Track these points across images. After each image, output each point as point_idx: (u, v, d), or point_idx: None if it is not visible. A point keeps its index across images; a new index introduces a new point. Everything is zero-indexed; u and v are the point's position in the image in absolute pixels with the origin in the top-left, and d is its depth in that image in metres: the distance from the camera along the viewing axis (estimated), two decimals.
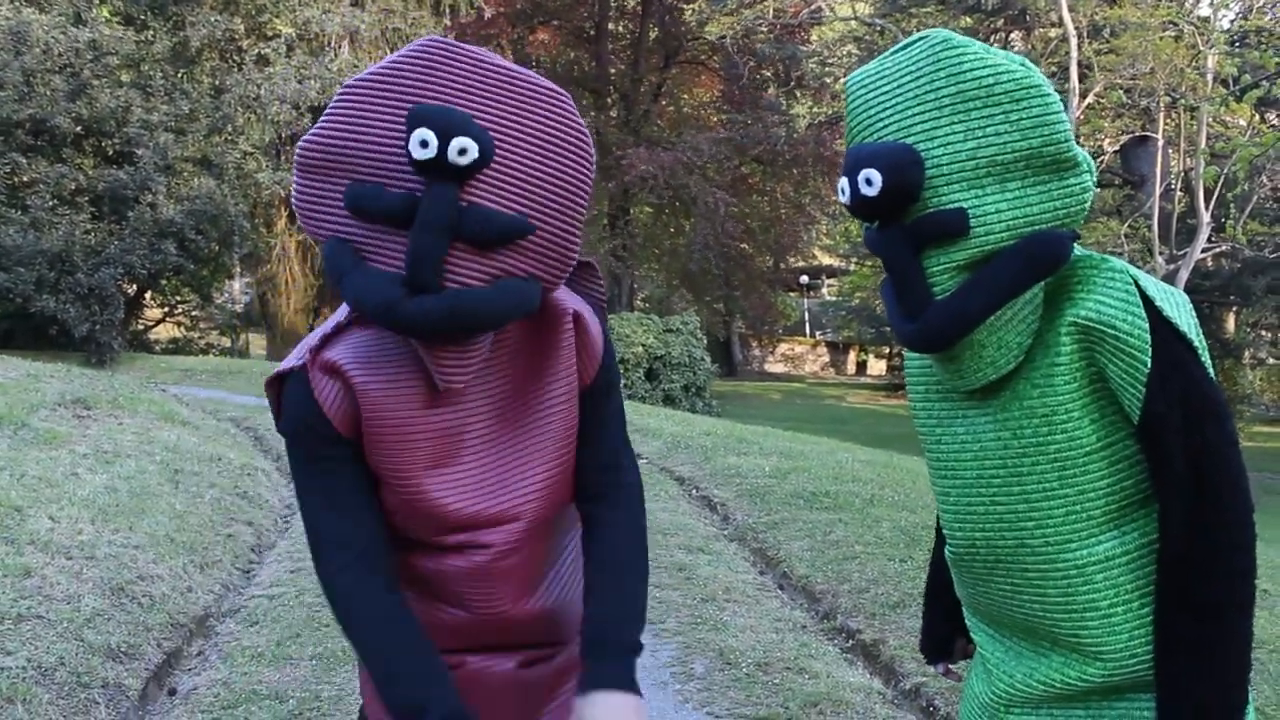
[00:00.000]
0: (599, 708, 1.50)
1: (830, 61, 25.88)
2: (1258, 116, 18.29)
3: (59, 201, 15.39)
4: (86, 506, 5.34)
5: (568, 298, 1.64)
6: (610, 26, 28.43)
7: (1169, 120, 19.00)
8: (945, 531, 1.65)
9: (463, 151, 1.39)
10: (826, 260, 38.12)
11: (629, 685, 1.52)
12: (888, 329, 33.21)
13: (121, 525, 5.17)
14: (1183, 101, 17.71)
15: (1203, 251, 18.34)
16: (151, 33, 16.43)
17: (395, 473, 1.53)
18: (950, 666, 1.95)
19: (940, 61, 1.44)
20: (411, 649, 1.48)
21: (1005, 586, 1.56)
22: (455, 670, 1.62)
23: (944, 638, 1.92)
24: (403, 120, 1.44)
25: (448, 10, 19.61)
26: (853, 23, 24.08)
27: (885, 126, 1.47)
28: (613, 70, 28.44)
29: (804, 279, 37.77)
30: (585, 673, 1.54)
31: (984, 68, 1.42)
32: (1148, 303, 1.41)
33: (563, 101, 1.51)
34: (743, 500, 7.35)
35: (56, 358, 13.49)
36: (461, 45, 1.50)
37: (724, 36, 21.72)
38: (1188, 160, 18.36)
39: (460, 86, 1.47)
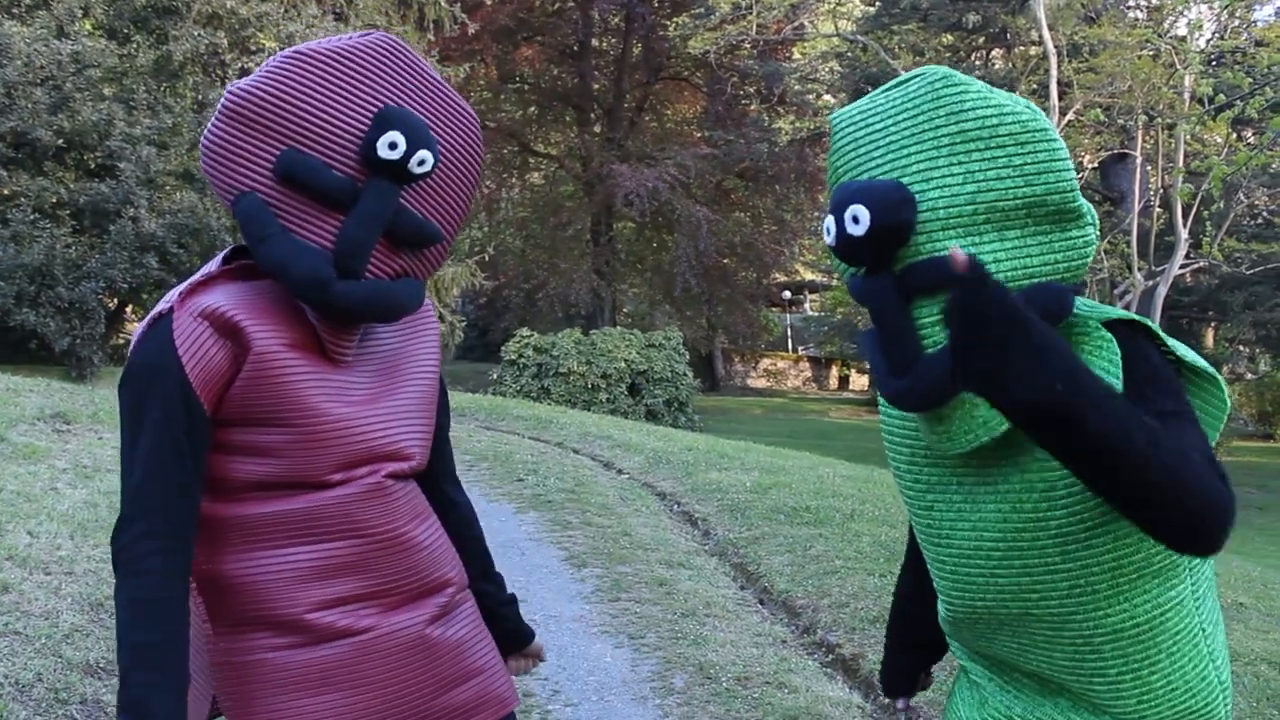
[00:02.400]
0: (538, 646, 1.91)
1: (813, 78, 26.02)
2: (1234, 135, 18.47)
3: (40, 215, 15.31)
4: (65, 521, 5.32)
5: None
6: (594, 43, 28.55)
7: (1147, 138, 19.18)
8: (941, 595, 1.54)
9: (422, 162, 1.50)
10: (809, 275, 38.22)
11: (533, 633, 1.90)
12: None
13: (101, 540, 5.15)
14: (1160, 120, 17.89)
15: (1181, 267, 18.51)
16: (134, 46, 16.39)
17: (295, 411, 1.50)
18: (910, 703, 1.87)
19: (940, 99, 1.35)
20: (180, 659, 1.43)
21: (1011, 645, 1.49)
22: (367, 634, 1.56)
23: (910, 673, 1.84)
24: (364, 110, 1.51)
25: (431, 26, 19.62)
26: (835, 39, 24.23)
27: (876, 165, 1.37)
28: (596, 86, 28.54)
29: (786, 294, 37.87)
30: (512, 629, 1.84)
31: (987, 107, 1.33)
32: (1142, 357, 1.32)
33: (476, 125, 1.64)
34: (724, 515, 7.37)
35: (36, 372, 13.42)
36: (414, 53, 1.58)
37: (707, 52, 21.81)
38: (1166, 177, 18.52)
39: (418, 96, 1.56)
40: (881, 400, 1.57)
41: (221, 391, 1.48)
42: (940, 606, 1.57)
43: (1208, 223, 18.73)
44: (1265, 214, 24.19)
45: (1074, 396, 1.10)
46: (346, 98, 1.51)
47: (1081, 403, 1.10)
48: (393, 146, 1.48)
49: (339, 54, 1.52)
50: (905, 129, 1.36)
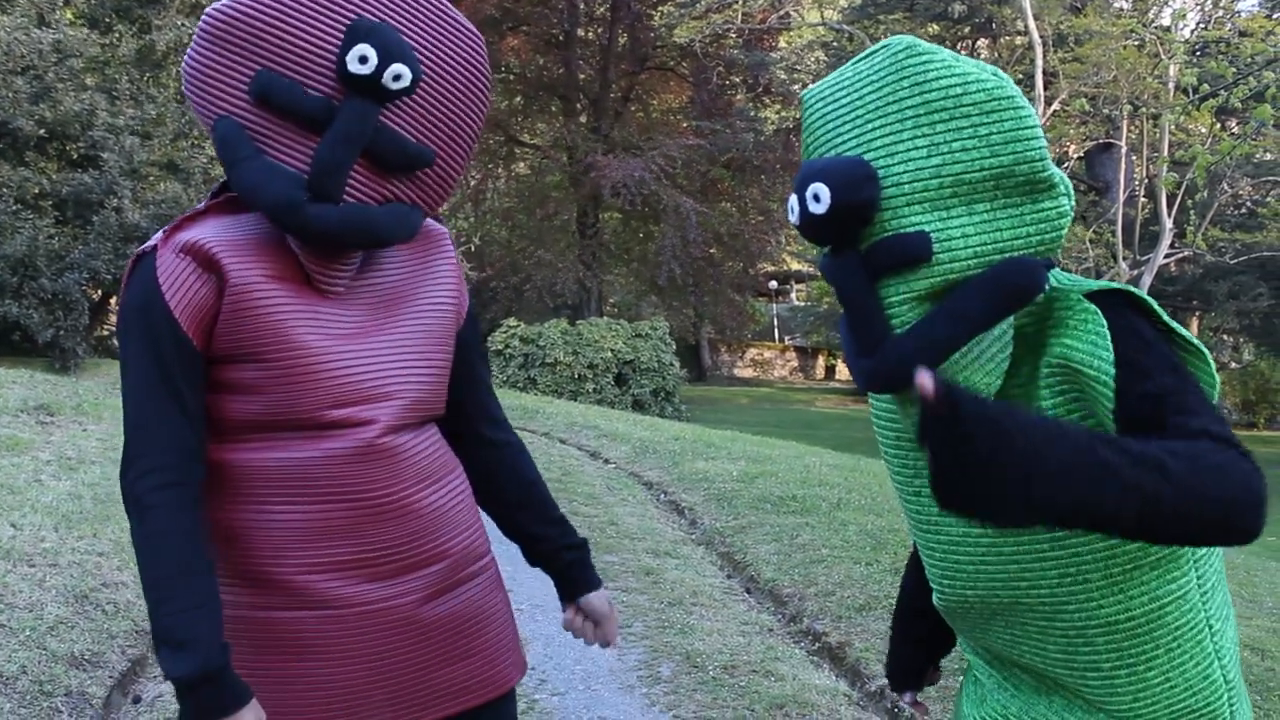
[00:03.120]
0: (601, 600, 1.80)
1: (798, 68, 26.02)
2: (1217, 124, 18.54)
3: (22, 205, 15.22)
4: (49, 513, 5.30)
5: (433, 222, 1.69)
6: (580, 33, 28.47)
7: (1132, 128, 19.24)
8: (933, 584, 1.49)
9: (397, 77, 1.43)
10: (795, 265, 38.28)
11: (600, 582, 1.83)
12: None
13: (85, 532, 5.13)
14: (1145, 109, 17.95)
15: (1166, 257, 18.60)
16: (117, 35, 16.29)
17: (275, 344, 1.46)
18: (917, 698, 1.79)
19: (903, 70, 1.30)
20: (200, 580, 1.40)
21: (1004, 636, 1.44)
22: (354, 607, 1.50)
23: (915, 669, 1.77)
24: (338, 26, 1.45)
25: None
26: (821, 29, 24.22)
27: (844, 141, 1.33)
28: (582, 76, 28.47)
29: (773, 284, 37.91)
30: (576, 576, 1.79)
31: (951, 76, 1.28)
32: (1130, 329, 1.27)
33: (481, 46, 1.56)
34: (710, 504, 7.38)
35: (19, 363, 13.34)
36: None
37: (693, 41, 21.79)
38: (1150, 167, 18.59)
39: (402, 10, 1.49)
40: None
41: (209, 326, 1.44)
42: (934, 595, 1.52)
43: (1192, 212, 18.82)
44: (1249, 203, 24.31)
45: (1076, 497, 1.06)
46: (321, 13, 1.45)
47: (1085, 498, 1.06)
48: (363, 60, 1.41)
49: None
50: (870, 102, 1.31)
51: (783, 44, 27.10)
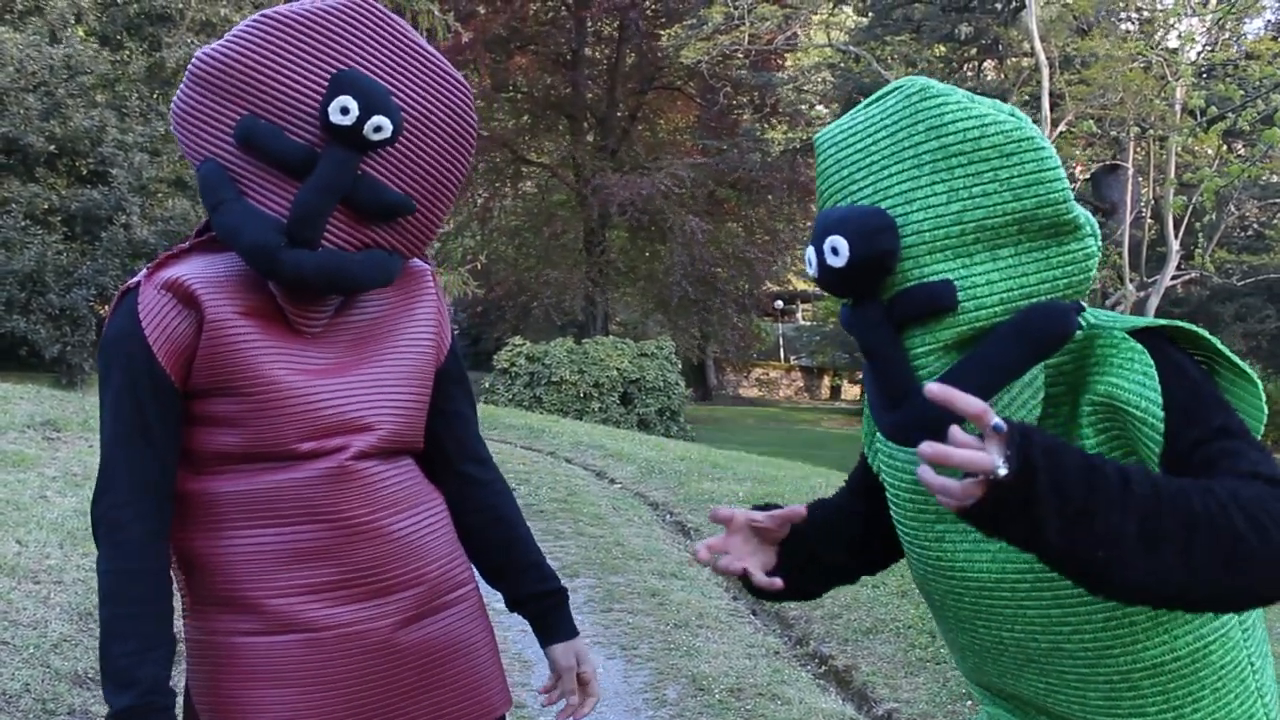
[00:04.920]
0: (562, 654, 1.72)
1: (805, 88, 26.08)
2: (1225, 147, 18.55)
3: (31, 221, 15.28)
4: (55, 530, 5.29)
5: (417, 259, 1.69)
6: (587, 52, 28.61)
7: (1139, 149, 19.25)
8: (960, 629, 1.41)
9: (378, 129, 1.45)
10: (801, 285, 38.29)
11: (578, 630, 1.75)
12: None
13: (90, 549, 5.12)
14: (1152, 131, 17.95)
15: (1172, 279, 18.58)
16: (127, 53, 16.38)
17: (249, 379, 1.48)
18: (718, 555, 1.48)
19: (918, 114, 1.27)
20: (151, 624, 1.45)
21: (1039, 685, 1.37)
22: (330, 631, 1.52)
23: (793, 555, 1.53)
24: (323, 74, 1.47)
25: (425, 34, 19.63)
26: (827, 50, 24.29)
27: (859, 189, 1.30)
28: (589, 95, 28.59)
29: (778, 304, 37.92)
30: (542, 624, 1.73)
31: (968, 119, 1.25)
32: (1176, 367, 1.23)
33: (466, 95, 1.58)
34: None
35: (26, 379, 13.37)
36: (386, 12, 1.53)
37: (700, 62, 21.85)
38: (1157, 189, 18.59)
39: (384, 59, 1.51)
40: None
41: (188, 361, 1.47)
42: (959, 642, 1.44)
43: (1199, 234, 18.80)
44: (1256, 226, 24.29)
45: (1160, 579, 1.07)
46: (307, 62, 1.48)
47: (1169, 579, 1.07)
48: (344, 111, 1.43)
49: (304, 17, 1.50)
50: (885, 148, 1.29)
51: (790, 64, 27.16)
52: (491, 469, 1.76)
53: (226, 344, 1.47)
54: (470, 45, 24.16)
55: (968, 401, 1.05)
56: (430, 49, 1.56)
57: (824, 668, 4.63)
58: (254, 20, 1.50)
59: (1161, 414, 1.20)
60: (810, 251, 1.31)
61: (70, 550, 5.05)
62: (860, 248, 1.24)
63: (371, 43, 1.51)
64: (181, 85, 1.52)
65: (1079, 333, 1.28)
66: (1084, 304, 1.30)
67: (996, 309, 1.23)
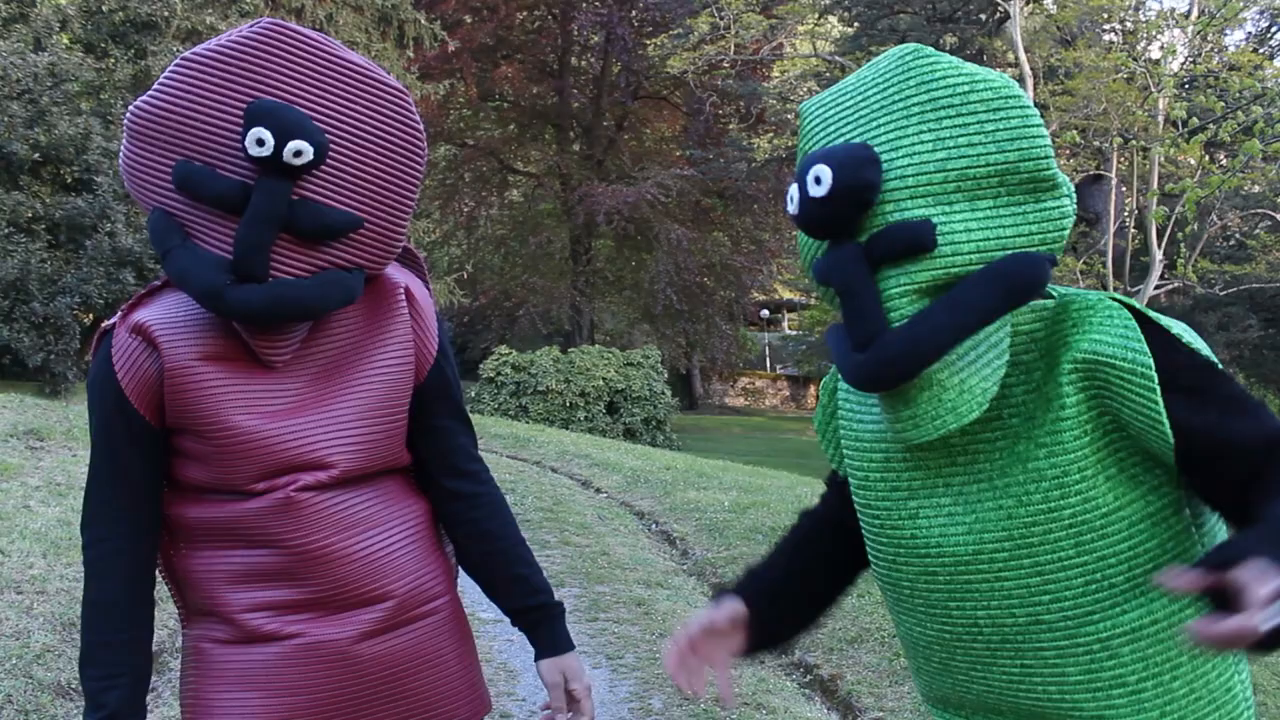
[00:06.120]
0: (547, 669, 1.70)
1: (791, 98, 26.16)
2: (1207, 157, 18.68)
3: (15, 229, 15.19)
4: (38, 540, 5.27)
5: (398, 273, 1.67)
6: (573, 61, 28.65)
7: (1122, 160, 19.37)
8: (928, 615, 1.39)
9: (298, 154, 1.44)
10: (787, 295, 38.36)
11: (572, 645, 1.74)
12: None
13: (74, 559, 5.09)
14: (1135, 142, 18.07)
15: (1155, 288, 18.68)
16: (112, 61, 16.33)
17: (207, 423, 1.51)
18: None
19: (910, 69, 1.30)
20: (121, 654, 1.54)
21: (1013, 669, 1.34)
22: (292, 641, 1.57)
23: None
24: (241, 108, 1.47)
25: (411, 43, 19.64)
26: (814, 60, 24.37)
27: (844, 136, 1.32)
28: (576, 105, 28.62)
29: (764, 313, 37.99)
30: (530, 638, 1.72)
31: (959, 74, 1.28)
32: (1155, 328, 1.26)
33: (401, 99, 1.56)
34: (702, 535, 7.36)
35: (9, 388, 13.30)
36: (305, 33, 1.52)
37: (685, 71, 21.91)
38: (1140, 199, 18.71)
39: (301, 80, 1.50)
40: (845, 404, 1.49)
41: (158, 401, 1.53)
42: (924, 631, 1.40)
43: (1182, 244, 18.93)
44: (1238, 236, 24.45)
45: None
46: (226, 98, 1.48)
47: None
48: (260, 143, 1.43)
49: (219, 53, 1.50)
50: (874, 101, 1.30)
51: (776, 74, 27.24)
52: (478, 482, 1.73)
53: (186, 388, 1.51)
54: (457, 54, 24.17)
55: (1193, 579, 1.04)
56: (359, 61, 1.55)
57: (809, 677, 4.64)
58: (176, 64, 1.52)
59: (1150, 364, 1.22)
60: (793, 188, 1.31)
61: (54, 560, 5.03)
62: (843, 176, 1.25)
63: (290, 67, 1.50)
64: (123, 140, 1.55)
65: (1050, 301, 1.31)
66: (1057, 259, 1.31)
67: (972, 256, 1.24)
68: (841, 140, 1.31)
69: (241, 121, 1.46)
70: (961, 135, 1.25)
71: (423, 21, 19.30)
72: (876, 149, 1.27)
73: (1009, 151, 1.25)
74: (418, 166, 1.59)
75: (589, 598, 5.69)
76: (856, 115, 1.31)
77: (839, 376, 1.51)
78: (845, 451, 1.48)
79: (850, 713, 4.21)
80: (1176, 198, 17.09)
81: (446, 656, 1.68)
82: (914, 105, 1.27)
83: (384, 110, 1.55)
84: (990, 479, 1.31)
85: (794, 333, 39.44)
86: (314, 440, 1.55)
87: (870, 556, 1.48)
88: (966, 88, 1.27)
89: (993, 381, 1.26)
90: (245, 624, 1.57)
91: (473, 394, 19.86)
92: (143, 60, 16.37)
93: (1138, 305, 1.30)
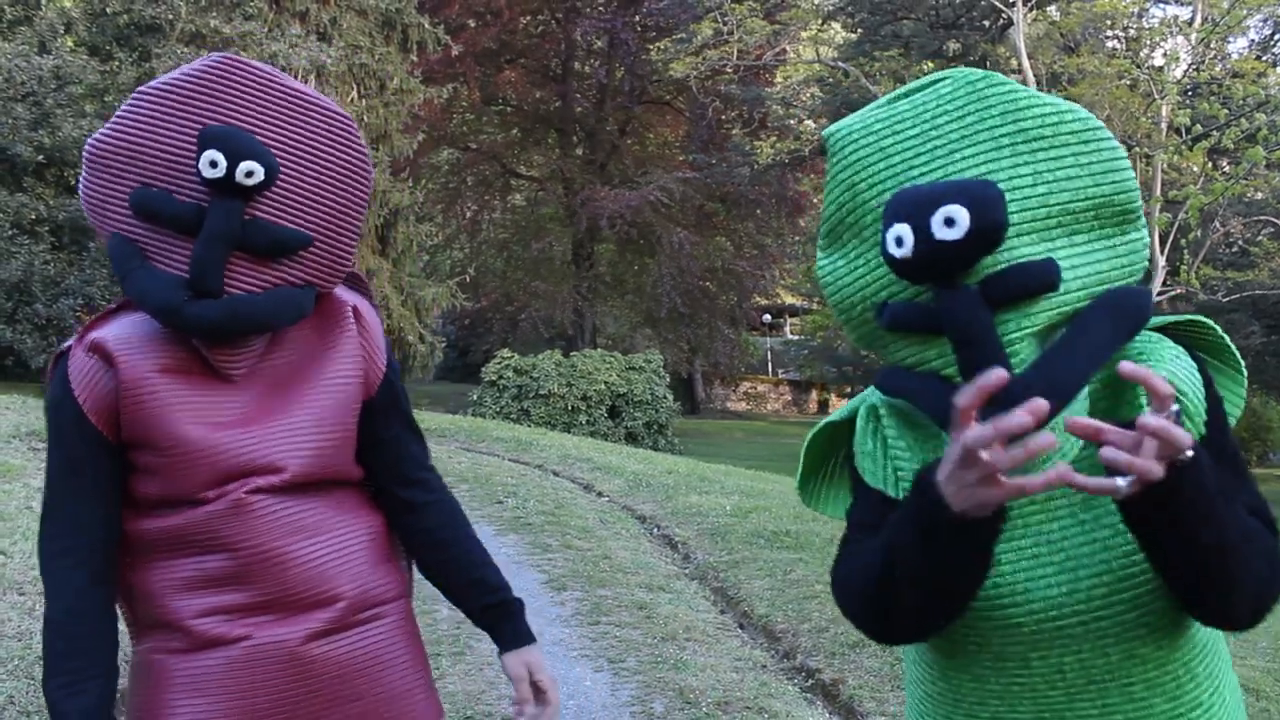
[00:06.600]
0: (512, 663, 1.76)
1: (794, 103, 26.20)
2: (1210, 164, 18.69)
3: (18, 231, 15.23)
4: None
5: (347, 294, 1.76)
6: (576, 66, 28.68)
7: None
8: (993, 672, 1.29)
9: (249, 174, 1.54)
10: (789, 299, 38.37)
11: (534, 638, 1.80)
12: (849, 368, 33.30)
13: None
14: (1138, 149, 18.08)
15: (1159, 295, 18.67)
16: (117, 63, 16.36)
17: (161, 434, 1.57)
18: None
19: (987, 98, 1.24)
20: (81, 663, 1.57)
21: (1090, 712, 1.26)
22: (240, 644, 1.61)
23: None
24: (194, 135, 1.57)
25: (415, 47, 19.65)
26: (817, 65, 24.40)
27: (921, 173, 1.24)
28: (579, 109, 28.65)
29: (766, 318, 38.00)
30: (494, 636, 1.78)
31: (1044, 105, 1.24)
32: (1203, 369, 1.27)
33: (344, 124, 1.67)
34: (704, 539, 7.36)
35: (12, 389, 13.30)
36: (255, 64, 1.62)
37: (689, 76, 21.94)
38: (1144, 206, 18.70)
39: (250, 107, 1.60)
40: (895, 445, 1.36)
41: (114, 418, 1.58)
42: (964, 697, 1.33)
43: (1185, 251, 18.93)
44: (1241, 242, 24.45)
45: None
46: (179, 126, 1.58)
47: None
48: (213, 165, 1.53)
49: (172, 85, 1.60)
50: (951, 131, 1.24)
51: (779, 80, 27.27)
52: (429, 490, 1.79)
53: (141, 401, 1.56)
54: (460, 59, 24.20)
55: (1159, 383, 1.04)
56: (304, 89, 1.65)
57: (811, 681, 4.64)
58: (132, 98, 1.61)
59: (1205, 412, 1.22)
60: (901, 229, 1.20)
61: None
62: (982, 217, 1.17)
63: (239, 95, 1.60)
64: (82, 172, 1.63)
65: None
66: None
67: (1080, 294, 1.21)
68: (920, 175, 1.24)
69: (195, 147, 1.55)
70: (1059, 169, 1.22)
71: (426, 26, 19.32)
72: None
73: (1103, 185, 1.23)
74: (363, 188, 1.68)
75: (591, 601, 5.69)
76: (931, 146, 1.25)
77: (881, 408, 1.39)
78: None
79: (852, 717, 4.20)
80: (1180, 204, 17.11)
81: (399, 661, 1.73)
82: (1004, 137, 1.23)
83: (330, 135, 1.65)
84: (1074, 513, 1.24)
85: (796, 337, 39.44)
86: (265, 445, 1.62)
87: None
88: (1055, 119, 1.23)
89: (1084, 414, 1.21)
90: (194, 629, 1.60)
91: (474, 397, 19.87)
92: (147, 63, 16.39)
93: (1206, 322, 1.31)
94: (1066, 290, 1.20)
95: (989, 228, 1.17)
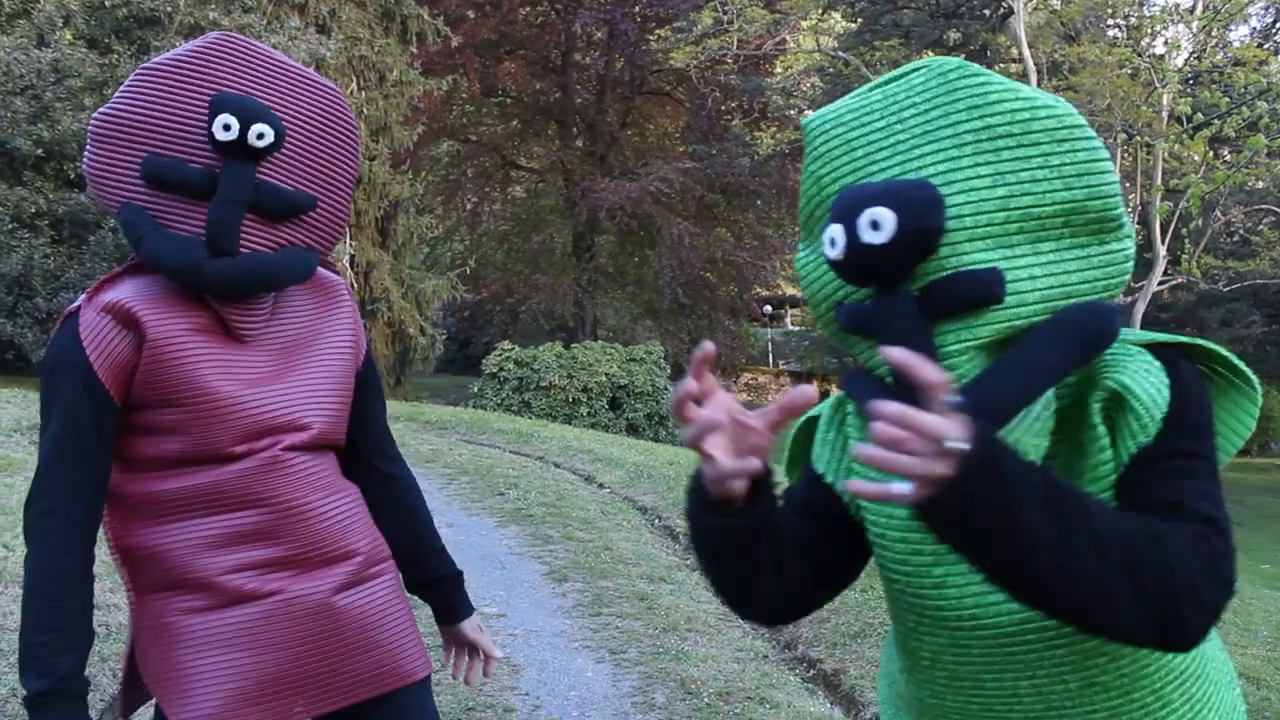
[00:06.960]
0: (471, 628, 2.00)
1: (795, 93, 26.15)
2: (1211, 153, 18.66)
3: (18, 225, 15.22)
4: None
5: (332, 275, 1.87)
6: (576, 57, 28.62)
7: (1126, 155, 19.35)
8: (947, 689, 1.26)
9: (260, 136, 1.62)
10: (789, 290, 38.34)
11: (473, 608, 2.01)
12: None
13: None
14: (1139, 138, 18.05)
15: (1159, 284, 18.67)
16: (115, 56, 16.33)
17: (189, 391, 1.62)
18: None
19: (957, 91, 1.15)
20: (69, 621, 1.59)
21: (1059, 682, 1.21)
22: (273, 598, 1.67)
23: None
24: (205, 104, 1.64)
25: (414, 39, 19.64)
26: (816, 55, 24.36)
27: (880, 169, 1.16)
28: (578, 100, 28.60)
29: (767, 309, 37.97)
30: (449, 604, 1.97)
31: (1016, 99, 1.13)
32: (1181, 380, 1.14)
33: (337, 97, 1.77)
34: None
35: (12, 382, 13.31)
36: (254, 42, 1.72)
37: (689, 65, 21.89)
38: (1145, 195, 18.69)
39: (257, 79, 1.70)
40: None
41: (128, 378, 1.61)
42: (928, 709, 1.29)
43: (1186, 240, 18.91)
44: (1242, 231, 24.43)
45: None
46: (188, 96, 1.64)
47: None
48: (226, 128, 1.60)
49: (177, 60, 1.67)
50: (915, 125, 1.15)
51: (779, 69, 27.22)
52: (400, 464, 1.96)
53: (169, 359, 1.61)
54: (459, 50, 24.15)
55: (928, 371, 0.95)
56: (296, 65, 1.74)
57: (812, 671, 4.65)
58: (136, 74, 1.68)
59: (1161, 421, 1.11)
60: (834, 230, 1.14)
61: None
62: (909, 221, 1.10)
63: (241, 67, 1.68)
64: (87, 146, 1.68)
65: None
66: (1121, 306, 1.21)
67: (1036, 307, 1.11)
68: (875, 171, 1.16)
69: (205, 115, 1.62)
70: (1024, 170, 1.12)
71: (426, 17, 19.31)
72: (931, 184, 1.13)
73: (1076, 189, 1.13)
74: (355, 157, 1.79)
75: (592, 593, 5.69)
76: (893, 141, 1.16)
77: (849, 405, 1.34)
78: (862, 506, 1.30)
79: (853, 707, 4.21)
80: (1180, 193, 17.09)
81: (398, 613, 1.84)
82: (966, 133, 1.13)
83: (325, 105, 1.74)
84: None
85: (797, 328, 39.40)
86: (291, 404, 1.70)
87: (890, 612, 1.36)
88: (1027, 115, 1.13)
89: (1043, 437, 1.14)
90: (226, 586, 1.65)
91: (475, 389, 19.86)
92: (146, 55, 16.36)
93: (1206, 344, 1.21)
94: (1020, 303, 1.11)
95: (920, 232, 1.10)
